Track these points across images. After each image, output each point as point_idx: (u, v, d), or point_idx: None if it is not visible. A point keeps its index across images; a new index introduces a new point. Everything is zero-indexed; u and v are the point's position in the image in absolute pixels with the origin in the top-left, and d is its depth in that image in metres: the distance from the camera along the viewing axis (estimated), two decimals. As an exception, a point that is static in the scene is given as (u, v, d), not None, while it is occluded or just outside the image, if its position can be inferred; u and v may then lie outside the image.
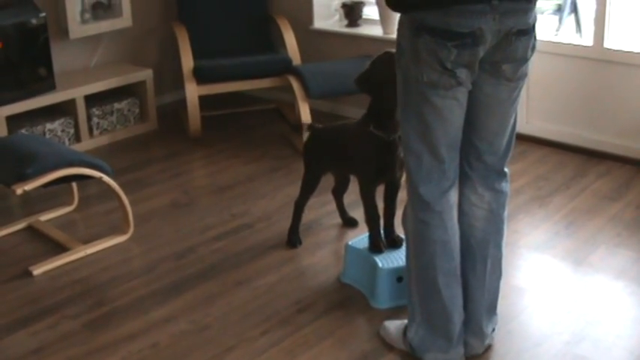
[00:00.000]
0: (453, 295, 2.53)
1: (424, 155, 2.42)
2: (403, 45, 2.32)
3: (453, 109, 2.35)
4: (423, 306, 2.58)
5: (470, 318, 2.63)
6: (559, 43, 4.47)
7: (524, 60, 2.37)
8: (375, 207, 3.11)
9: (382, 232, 3.14)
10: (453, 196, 2.51)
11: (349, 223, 3.65)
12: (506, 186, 2.58)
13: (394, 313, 2.93)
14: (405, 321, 2.71)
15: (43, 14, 4.55)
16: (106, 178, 3.48)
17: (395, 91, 2.58)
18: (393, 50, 2.79)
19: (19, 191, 3.24)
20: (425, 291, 2.55)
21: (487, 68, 2.34)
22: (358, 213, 3.53)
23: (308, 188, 3.43)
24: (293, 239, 3.48)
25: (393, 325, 2.79)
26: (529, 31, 2.32)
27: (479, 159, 2.51)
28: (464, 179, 2.54)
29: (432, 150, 2.40)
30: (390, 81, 2.82)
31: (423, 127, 2.38)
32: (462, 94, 2.35)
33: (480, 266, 2.59)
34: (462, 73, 2.29)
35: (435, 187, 2.45)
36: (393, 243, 3.12)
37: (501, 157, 2.53)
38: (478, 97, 2.40)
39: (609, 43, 4.24)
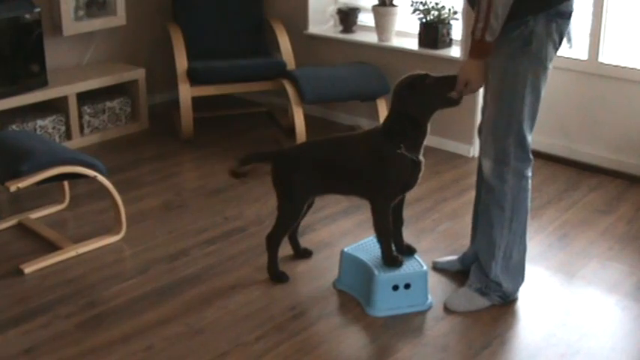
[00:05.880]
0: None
1: (529, 123, 2.85)
2: (538, 31, 2.72)
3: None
4: (508, 253, 2.98)
5: None
6: (553, 56, 4.49)
7: None
8: (390, 221, 3.03)
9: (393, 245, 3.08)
10: None
11: (304, 255, 3.42)
12: None
13: (390, 321, 2.94)
14: (464, 288, 3.08)
15: (38, 9, 4.51)
16: (100, 177, 3.44)
17: (425, 115, 2.88)
18: (406, 76, 2.90)
19: (12, 188, 3.20)
20: (516, 236, 2.98)
21: None
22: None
23: (292, 219, 3.16)
24: (279, 275, 3.23)
25: (459, 297, 3.05)
26: None
27: None
28: None
29: (534, 116, 2.86)
30: (421, 109, 2.87)
31: (536, 99, 2.83)
32: None
33: None
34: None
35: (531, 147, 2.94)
36: (410, 250, 3.12)
37: None
38: None
39: (604, 57, 4.27)
